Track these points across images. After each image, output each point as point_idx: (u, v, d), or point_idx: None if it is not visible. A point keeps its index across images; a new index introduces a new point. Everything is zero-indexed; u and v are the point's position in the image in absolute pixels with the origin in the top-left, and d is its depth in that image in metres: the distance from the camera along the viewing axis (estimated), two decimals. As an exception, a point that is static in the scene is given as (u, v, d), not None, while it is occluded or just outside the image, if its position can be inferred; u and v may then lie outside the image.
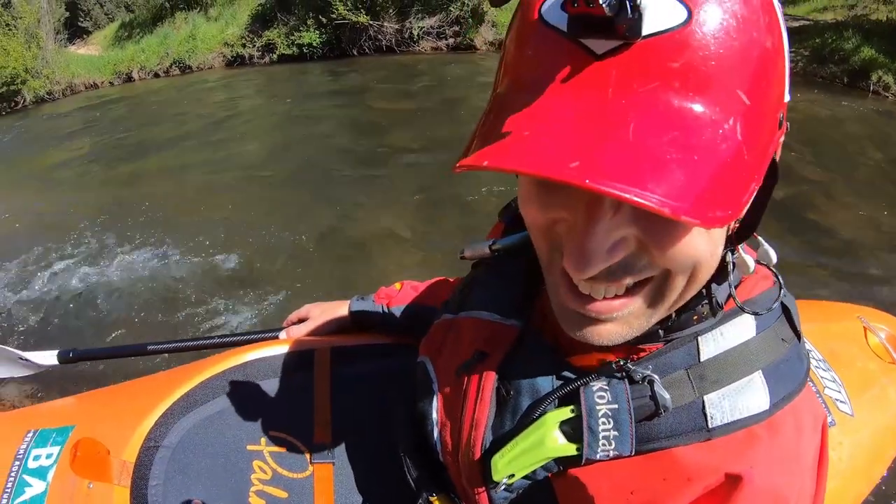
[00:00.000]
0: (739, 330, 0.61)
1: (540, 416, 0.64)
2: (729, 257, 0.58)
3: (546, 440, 0.61)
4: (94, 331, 3.91)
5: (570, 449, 0.60)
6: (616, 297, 0.54)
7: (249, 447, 1.13)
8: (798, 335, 0.64)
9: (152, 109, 11.73)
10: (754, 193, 0.46)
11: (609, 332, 0.56)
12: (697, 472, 0.57)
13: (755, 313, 0.60)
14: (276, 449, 1.13)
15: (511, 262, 0.82)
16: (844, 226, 4.47)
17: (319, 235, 4.91)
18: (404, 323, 1.24)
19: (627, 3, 0.39)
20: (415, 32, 13.71)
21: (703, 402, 0.58)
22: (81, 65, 16.64)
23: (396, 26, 13.80)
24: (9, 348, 1.73)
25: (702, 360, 0.60)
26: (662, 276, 0.53)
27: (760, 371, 0.59)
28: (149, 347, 1.56)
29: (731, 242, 0.57)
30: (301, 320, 1.37)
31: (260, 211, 5.57)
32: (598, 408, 0.59)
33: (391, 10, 13.80)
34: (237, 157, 7.39)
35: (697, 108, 0.42)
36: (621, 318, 0.56)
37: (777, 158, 0.52)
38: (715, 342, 0.60)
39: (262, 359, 1.26)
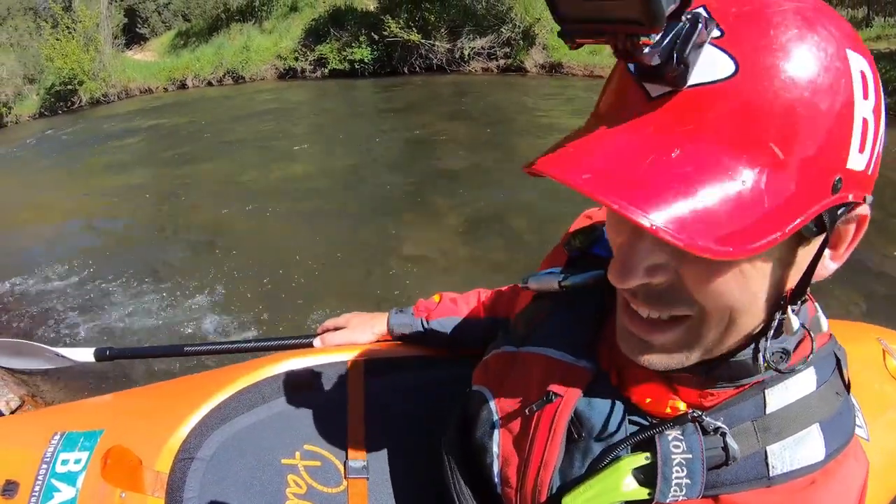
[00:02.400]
0: (802, 385, 0.63)
1: (614, 460, 0.65)
2: (777, 316, 0.58)
3: (619, 485, 0.63)
4: (132, 332, 3.95)
5: (642, 493, 0.62)
6: (657, 322, 0.58)
7: (284, 461, 1.11)
8: (847, 386, 0.67)
9: (204, 117, 11.96)
10: (774, 244, 0.46)
11: (651, 359, 0.61)
12: None
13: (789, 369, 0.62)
14: (310, 463, 1.11)
15: (580, 299, 0.82)
16: (867, 247, 4.30)
17: (363, 250, 4.91)
18: (443, 336, 1.23)
19: (674, 55, 0.44)
20: (465, 52, 13.80)
21: (766, 452, 0.61)
22: (137, 70, 17.14)
23: (447, 46, 13.91)
24: (45, 346, 1.74)
25: (767, 412, 0.62)
26: (699, 316, 0.56)
27: (818, 424, 0.62)
28: (186, 349, 1.57)
29: (784, 303, 0.57)
30: (337, 328, 1.35)
31: (305, 223, 5.60)
32: (672, 456, 0.61)
33: (443, 30, 13.95)
34: (286, 170, 7.48)
35: (721, 153, 0.46)
36: (661, 348, 0.60)
37: (849, 231, 0.55)
38: (780, 396, 0.62)
39: (296, 370, 1.25)
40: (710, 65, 0.46)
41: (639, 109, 0.49)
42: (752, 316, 0.56)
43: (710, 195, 0.45)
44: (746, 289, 0.53)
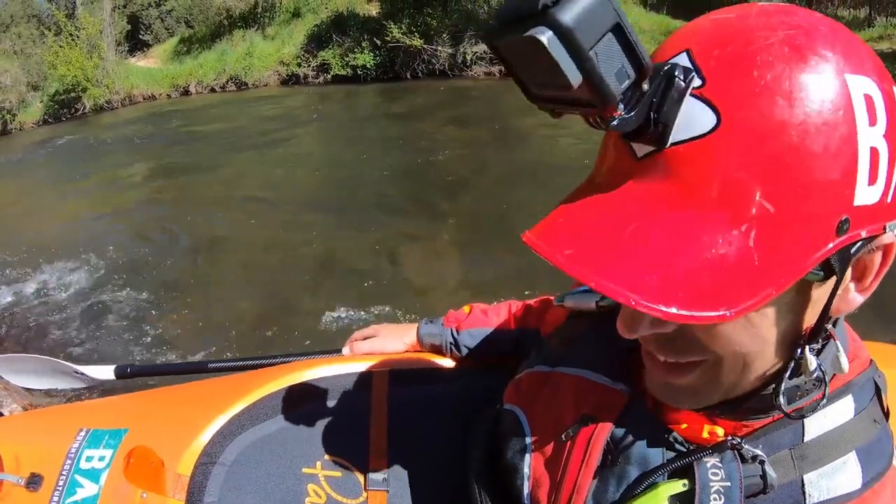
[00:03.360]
0: (840, 412, 0.62)
1: (650, 486, 0.64)
2: (797, 353, 0.56)
3: None
4: (138, 341, 3.95)
5: None
6: (675, 365, 0.59)
7: (305, 470, 1.10)
8: (887, 414, 0.65)
9: (207, 124, 12.01)
10: (770, 298, 0.45)
11: (677, 398, 0.62)
12: None
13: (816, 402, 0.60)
14: (330, 473, 1.11)
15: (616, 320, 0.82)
16: None
17: (365, 257, 4.91)
18: (473, 347, 1.23)
19: (651, 116, 0.43)
20: (468, 57, 13.83)
21: (803, 480, 0.60)
22: (140, 76, 17.19)
23: (450, 51, 13.94)
24: (65, 362, 1.74)
25: (805, 440, 0.61)
26: (714, 360, 0.56)
27: (855, 452, 0.60)
28: (210, 365, 1.56)
29: (802, 343, 0.55)
30: (366, 338, 1.35)
31: (308, 229, 5.61)
32: (711, 484, 0.60)
33: (445, 35, 13.98)
34: (288, 177, 7.50)
35: (704, 217, 0.45)
36: (683, 389, 0.60)
37: (872, 266, 0.51)
38: (819, 424, 0.61)
39: (321, 378, 1.25)
40: (691, 119, 0.44)
41: (626, 171, 0.49)
42: (767, 359, 0.55)
43: (693, 261, 0.44)
44: (757, 336, 0.52)
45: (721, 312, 0.43)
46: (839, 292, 0.50)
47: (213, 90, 16.34)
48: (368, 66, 14.63)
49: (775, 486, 0.59)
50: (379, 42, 14.32)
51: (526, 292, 4.04)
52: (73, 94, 16.29)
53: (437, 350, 1.27)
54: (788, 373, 0.57)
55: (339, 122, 10.86)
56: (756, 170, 0.43)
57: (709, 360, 0.56)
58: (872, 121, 0.45)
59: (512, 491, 0.80)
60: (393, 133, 9.53)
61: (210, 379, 1.44)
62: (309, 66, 15.62)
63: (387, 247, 5.08)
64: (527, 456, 0.79)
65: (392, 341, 1.32)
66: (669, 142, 0.45)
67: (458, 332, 1.24)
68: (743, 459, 0.60)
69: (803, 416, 0.61)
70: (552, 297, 1.01)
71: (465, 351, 1.24)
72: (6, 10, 22.32)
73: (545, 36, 0.38)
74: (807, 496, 0.59)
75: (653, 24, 14.88)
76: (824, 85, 0.43)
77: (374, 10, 16.16)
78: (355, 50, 14.78)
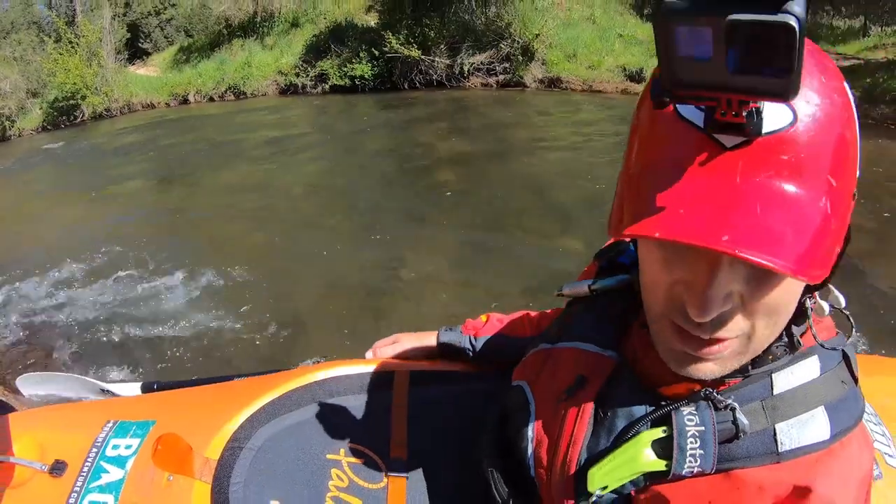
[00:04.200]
0: (806, 370, 0.69)
1: (635, 434, 0.71)
2: (808, 303, 0.68)
3: (640, 456, 0.69)
4: (134, 351, 3.98)
5: (660, 465, 0.68)
6: (713, 340, 0.63)
7: (328, 456, 1.16)
8: (855, 380, 0.72)
9: (206, 133, 12.02)
10: (837, 254, 0.58)
11: (707, 369, 0.65)
12: (769, 485, 0.65)
13: (829, 347, 0.71)
14: (353, 460, 1.17)
15: (607, 301, 0.91)
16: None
17: (361, 270, 4.94)
18: (487, 354, 1.30)
19: (754, 112, 0.50)
20: (465, 68, 13.90)
21: (775, 429, 0.66)
22: (140, 85, 17.22)
23: (447, 61, 14.01)
24: (93, 380, 1.76)
25: (775, 393, 0.68)
26: (748, 332, 0.63)
27: (823, 406, 0.67)
28: (235, 379, 1.56)
29: (810, 291, 0.67)
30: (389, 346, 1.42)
31: (304, 241, 5.64)
32: (687, 429, 0.67)
33: (442, 46, 14.05)
34: (285, 187, 7.52)
35: (801, 191, 0.53)
36: (719, 359, 0.65)
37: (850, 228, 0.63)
38: (786, 379, 0.69)
39: (345, 376, 1.31)
40: (774, 116, 0.53)
41: (716, 159, 0.54)
42: (790, 311, 0.64)
43: (808, 231, 0.52)
44: (793, 292, 0.62)
45: (824, 270, 0.52)
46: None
47: (211, 99, 16.36)
48: (366, 76, 14.68)
49: (747, 431, 0.66)
50: (377, 52, 14.37)
51: (528, 303, 4.09)
52: (72, 102, 16.30)
53: (455, 355, 1.34)
54: (810, 318, 0.68)
55: (336, 132, 10.89)
56: (824, 153, 0.54)
57: (744, 333, 0.62)
58: (857, 124, 0.60)
59: (518, 457, 0.88)
60: (390, 143, 9.57)
61: (237, 380, 1.50)
62: (307, 75, 15.65)
63: (381, 256, 5.12)
64: (530, 420, 0.87)
65: (412, 348, 1.38)
66: (762, 132, 0.53)
67: (475, 338, 1.32)
68: (716, 408, 0.67)
69: (772, 372, 0.69)
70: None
71: (482, 356, 1.31)
72: (6, 17, 22.32)
73: (796, 23, 0.40)
74: (779, 444, 0.66)
75: (649, 34, 14.95)
76: (843, 91, 0.57)
77: (372, 20, 16.24)
78: (353, 60, 14.83)
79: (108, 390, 1.70)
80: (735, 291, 0.59)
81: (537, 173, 7.29)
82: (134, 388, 1.67)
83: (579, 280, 0.99)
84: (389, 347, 1.39)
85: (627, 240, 0.97)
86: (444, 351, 1.35)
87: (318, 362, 1.40)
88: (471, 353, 1.32)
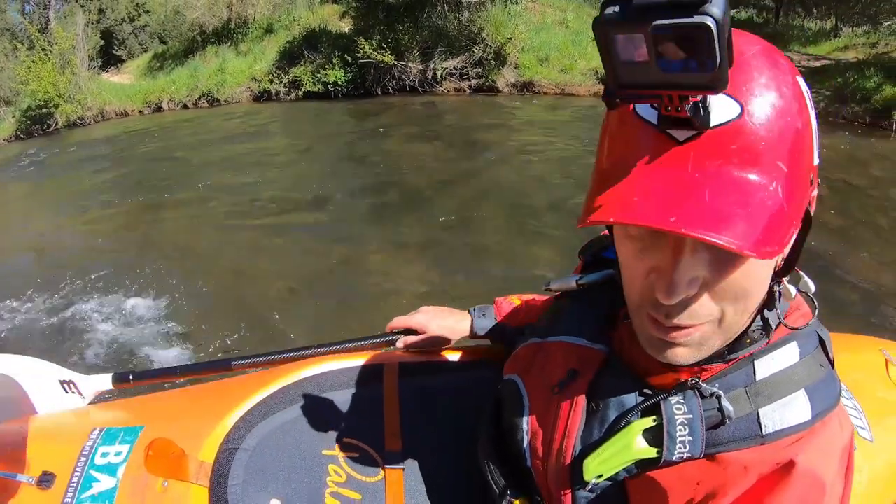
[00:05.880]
0: (786, 356, 0.74)
1: (626, 424, 0.76)
2: (776, 288, 0.72)
3: (632, 444, 0.74)
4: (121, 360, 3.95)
5: (651, 452, 0.73)
6: (688, 326, 0.67)
7: (325, 452, 1.18)
8: (831, 363, 0.77)
9: (180, 140, 11.97)
10: (794, 235, 0.63)
11: (683, 354, 0.70)
12: (753, 464, 0.70)
13: (796, 329, 0.75)
14: (349, 454, 1.18)
15: (594, 296, 0.96)
16: (868, 267, 4.56)
17: (334, 269, 5.02)
18: (513, 338, 1.29)
19: (700, 107, 0.54)
20: (438, 73, 13.93)
21: (759, 414, 0.71)
22: (113, 92, 17.05)
23: (420, 67, 14.04)
24: (54, 365, 1.51)
25: (757, 379, 0.72)
26: (718, 317, 0.67)
27: (804, 389, 0.71)
28: (233, 363, 1.48)
29: (777, 276, 0.71)
30: (409, 330, 1.41)
31: (276, 244, 5.71)
32: (676, 417, 0.72)
33: (415, 51, 14.08)
34: (258, 192, 7.53)
35: (751, 176, 0.57)
36: (692, 343, 0.69)
37: (812, 210, 0.67)
38: (767, 365, 0.73)
39: (334, 371, 1.33)
40: (722, 109, 0.57)
41: (670, 152, 0.59)
42: (759, 296, 0.68)
43: (758, 212, 0.56)
44: (759, 277, 0.65)
45: (774, 249, 0.56)
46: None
47: (185, 106, 16.22)
48: (340, 82, 14.65)
49: (733, 417, 0.70)
50: (350, 59, 14.35)
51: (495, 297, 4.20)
52: (45, 110, 16.09)
53: (489, 339, 1.37)
54: (778, 304, 0.73)
55: (309, 138, 10.89)
56: (773, 141, 0.58)
57: (713, 318, 0.66)
58: (810, 107, 0.64)
59: (513, 448, 0.92)
60: (362, 149, 9.59)
61: (223, 380, 1.46)
62: (281, 82, 15.59)
63: (352, 257, 5.22)
64: (525, 413, 0.90)
65: (439, 333, 1.38)
66: (710, 125, 0.57)
67: (510, 327, 1.34)
68: (702, 396, 0.72)
69: (754, 359, 0.74)
70: None
71: (516, 342, 1.32)
72: (-22, 25, 22.10)
73: (712, 22, 0.45)
74: (763, 426, 0.70)
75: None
76: (793, 83, 0.61)
77: (346, 26, 16.19)
78: (326, 66, 14.79)
79: (69, 381, 1.49)
80: (700, 276, 0.63)
81: (508, 177, 7.37)
82: (104, 380, 1.52)
83: (568, 276, 1.03)
84: (422, 337, 1.39)
85: (604, 234, 1.04)
86: (478, 335, 1.37)
87: (304, 357, 1.39)
88: (503, 341, 1.34)
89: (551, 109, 11.62)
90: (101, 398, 1.54)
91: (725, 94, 0.56)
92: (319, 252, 5.44)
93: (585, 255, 1.05)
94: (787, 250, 0.68)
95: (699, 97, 0.54)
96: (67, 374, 1.48)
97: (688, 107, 0.54)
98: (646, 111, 0.61)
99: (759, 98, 0.58)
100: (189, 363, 1.50)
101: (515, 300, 1.38)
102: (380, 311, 4.24)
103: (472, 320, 1.37)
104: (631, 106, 0.63)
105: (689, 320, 0.66)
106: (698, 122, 0.56)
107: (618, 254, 0.73)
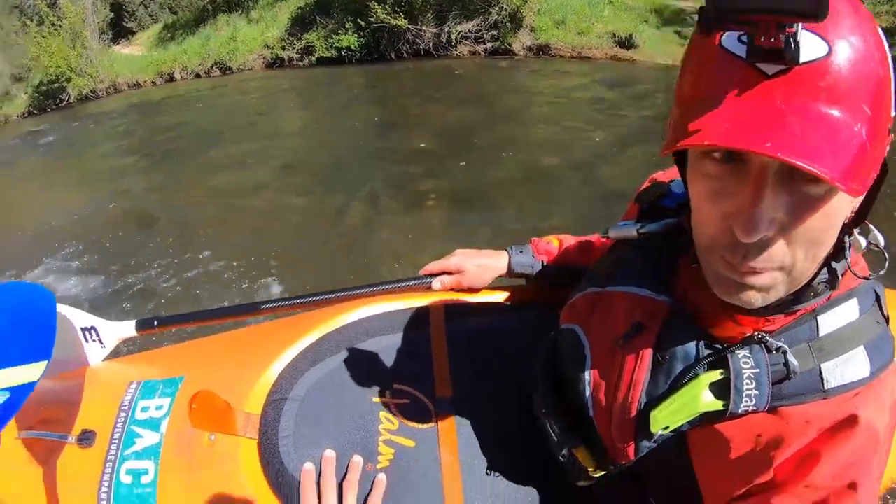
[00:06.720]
0: (847, 312, 0.75)
1: (693, 377, 0.77)
2: (846, 239, 0.72)
3: (699, 397, 0.75)
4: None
5: (718, 405, 0.74)
6: (761, 269, 0.67)
7: (374, 399, 1.15)
8: (887, 319, 0.78)
9: (193, 109, 11.98)
10: (873, 180, 0.64)
11: (753, 296, 0.69)
12: (814, 418, 0.72)
13: (866, 278, 0.77)
14: (401, 401, 1.16)
15: (655, 244, 0.94)
16: None
17: (347, 235, 5.02)
18: (559, 278, 1.33)
19: (791, 41, 0.55)
20: (453, 37, 13.71)
21: (821, 369, 0.73)
22: (125, 64, 17.05)
23: (434, 30, 13.83)
24: (74, 308, 1.42)
25: (820, 335, 0.74)
26: (793, 256, 0.66)
27: (863, 346, 0.73)
28: (262, 306, 1.42)
29: (847, 228, 0.70)
30: (445, 271, 1.39)
31: (291, 209, 5.72)
32: (743, 371, 0.73)
33: (429, 14, 13.85)
34: (272, 159, 7.55)
35: (837, 114, 0.58)
36: (763, 287, 0.68)
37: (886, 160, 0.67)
38: (830, 321, 0.74)
39: (378, 315, 1.30)
40: (811, 47, 0.57)
41: (759, 86, 0.59)
42: (829, 244, 0.68)
43: (845, 149, 0.57)
44: (833, 223, 0.65)
45: (859, 186, 0.57)
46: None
47: (198, 76, 16.17)
48: (353, 47, 14.48)
49: (797, 372, 0.72)
50: (363, 23, 14.15)
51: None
52: (57, 85, 16.15)
53: (526, 278, 1.37)
54: (848, 256, 0.73)
55: (324, 104, 10.82)
56: (858, 83, 0.58)
57: (785, 263, 0.66)
58: (892, 65, 0.63)
59: (574, 398, 0.93)
60: (378, 114, 9.57)
61: (262, 324, 1.44)
62: (293, 48, 15.45)
63: (369, 220, 5.26)
64: (587, 364, 0.91)
65: (477, 272, 1.37)
66: (800, 61, 0.57)
67: (547, 263, 1.34)
68: (768, 350, 0.73)
69: (816, 314, 0.75)
70: None
71: (553, 280, 1.34)
72: (-13, 3, 22.07)
73: None
74: (825, 381, 0.72)
75: (639, 1, 14.80)
76: (875, 30, 0.61)
77: (358, -10, 16.04)
78: (339, 31, 14.62)
79: (91, 327, 1.39)
80: (777, 219, 0.62)
81: (525, 141, 7.31)
82: (128, 327, 1.43)
83: (623, 221, 1.02)
84: (456, 277, 1.37)
85: (661, 180, 1.04)
86: (515, 273, 1.37)
87: (345, 299, 1.35)
88: (540, 278, 1.35)
89: (568, 73, 11.44)
90: (122, 347, 1.47)
91: (814, 32, 0.57)
92: (337, 213, 5.47)
93: (642, 202, 1.04)
94: (857, 201, 0.69)
95: (794, 27, 0.54)
96: (89, 319, 1.41)
97: (782, 38, 0.55)
98: (733, 45, 0.62)
99: (846, 41, 0.58)
100: (215, 307, 1.43)
101: (553, 240, 1.38)
102: (400, 268, 4.30)
103: (510, 257, 1.36)
104: (717, 39, 0.63)
105: (763, 263, 0.66)
106: (789, 55, 0.56)
107: (690, 194, 0.73)
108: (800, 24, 0.55)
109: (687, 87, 0.68)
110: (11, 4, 22.27)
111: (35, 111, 16.34)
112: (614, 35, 12.81)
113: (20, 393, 0.98)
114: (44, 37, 16.18)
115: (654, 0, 14.89)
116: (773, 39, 0.55)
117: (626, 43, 12.51)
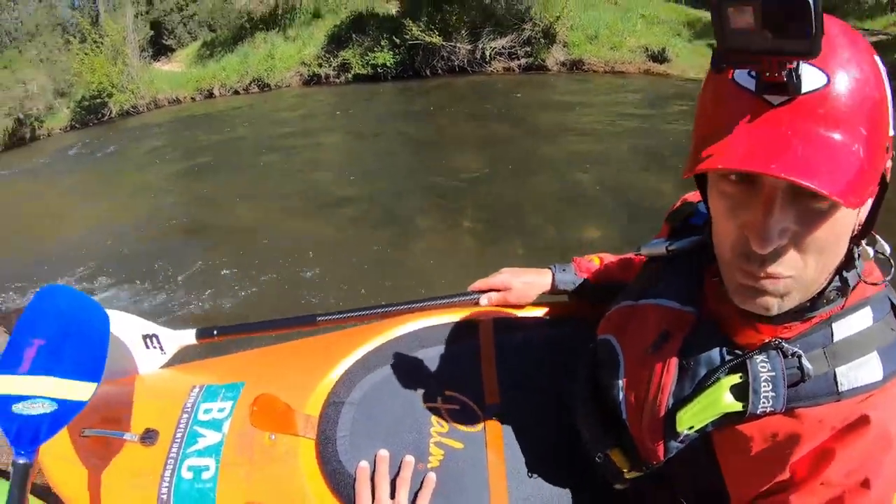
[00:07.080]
0: (861, 319, 0.79)
1: (715, 381, 0.82)
2: (855, 250, 0.77)
3: (721, 399, 0.80)
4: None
5: (737, 406, 0.79)
6: (776, 276, 0.72)
7: (426, 404, 1.20)
8: None
9: (232, 125, 12.18)
10: (872, 196, 0.71)
11: (770, 302, 0.74)
12: (828, 419, 0.76)
13: (874, 285, 0.81)
14: (451, 406, 1.21)
15: (682, 260, 1.01)
16: None
17: (382, 252, 5.04)
18: (598, 295, 1.36)
19: (793, 74, 0.61)
20: (487, 53, 13.86)
21: (835, 373, 0.77)
22: (165, 81, 17.43)
23: (469, 47, 13.97)
24: (138, 317, 1.47)
25: (834, 341, 0.78)
26: (804, 265, 0.71)
27: (877, 351, 0.77)
28: (318, 319, 1.46)
29: (855, 240, 0.76)
30: (493, 288, 1.44)
31: (329, 227, 5.78)
32: (761, 374, 0.78)
33: (463, 31, 14.00)
34: (311, 175, 7.64)
35: (836, 136, 0.64)
36: (778, 293, 0.73)
37: (887, 177, 0.72)
38: (844, 328, 0.79)
39: (431, 327, 1.36)
40: (811, 77, 0.63)
41: (766, 115, 0.66)
42: (839, 254, 0.73)
43: (843, 168, 0.63)
44: (840, 233, 0.71)
45: (857, 200, 0.62)
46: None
47: (236, 92, 16.51)
48: (388, 64, 14.71)
49: (812, 375, 0.77)
50: (398, 40, 14.39)
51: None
52: (98, 100, 16.58)
53: (569, 295, 1.41)
54: (858, 266, 0.78)
55: (360, 121, 10.96)
56: (855, 108, 0.65)
57: (798, 270, 0.71)
58: (888, 87, 0.69)
59: (609, 403, 0.99)
60: (413, 130, 9.62)
61: (319, 336, 1.48)
62: (330, 66, 15.72)
63: (403, 239, 5.26)
64: (621, 371, 0.97)
65: (523, 289, 1.42)
66: (802, 91, 0.63)
67: (591, 283, 1.39)
68: (784, 355, 0.78)
69: (831, 321, 0.79)
70: None
71: (594, 297, 1.37)
72: (31, 20, 22.68)
73: None
74: (839, 384, 0.76)
75: (671, 14, 14.81)
76: (871, 60, 0.68)
77: (392, 8, 16.26)
78: (375, 49, 14.87)
79: (152, 335, 1.45)
80: (789, 228, 0.68)
81: (559, 157, 7.31)
82: (188, 335, 1.48)
83: (655, 239, 1.09)
84: (503, 294, 1.43)
85: (688, 201, 1.10)
86: (558, 290, 1.40)
87: (399, 313, 1.40)
88: (582, 295, 1.39)
89: (601, 87, 11.45)
90: (181, 355, 1.51)
91: (813, 65, 0.63)
92: (373, 231, 5.50)
93: (674, 222, 1.10)
94: (863, 215, 0.74)
95: (794, 63, 0.61)
96: (151, 327, 1.46)
97: (784, 73, 0.61)
98: (744, 80, 0.68)
99: (843, 70, 0.65)
100: (273, 319, 1.47)
101: (595, 259, 1.42)
102: (428, 282, 4.34)
103: (554, 275, 1.40)
104: (730, 75, 0.70)
105: (777, 269, 0.71)
106: (792, 87, 0.62)
107: (711, 211, 0.79)
108: (799, 61, 0.61)
109: (704, 117, 0.75)
110: (55, 22, 22.89)
111: (77, 125, 16.78)
112: (647, 49, 12.90)
113: (68, 409, 0.99)
114: (86, 53, 16.62)
115: (686, 13, 14.90)
116: (777, 75, 0.62)
117: (659, 57, 12.58)
